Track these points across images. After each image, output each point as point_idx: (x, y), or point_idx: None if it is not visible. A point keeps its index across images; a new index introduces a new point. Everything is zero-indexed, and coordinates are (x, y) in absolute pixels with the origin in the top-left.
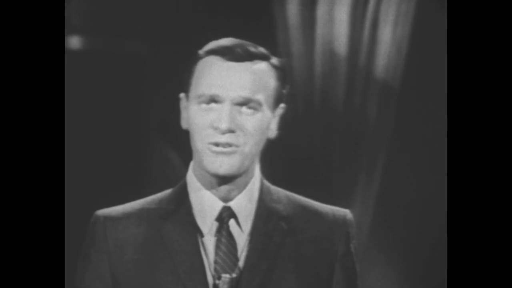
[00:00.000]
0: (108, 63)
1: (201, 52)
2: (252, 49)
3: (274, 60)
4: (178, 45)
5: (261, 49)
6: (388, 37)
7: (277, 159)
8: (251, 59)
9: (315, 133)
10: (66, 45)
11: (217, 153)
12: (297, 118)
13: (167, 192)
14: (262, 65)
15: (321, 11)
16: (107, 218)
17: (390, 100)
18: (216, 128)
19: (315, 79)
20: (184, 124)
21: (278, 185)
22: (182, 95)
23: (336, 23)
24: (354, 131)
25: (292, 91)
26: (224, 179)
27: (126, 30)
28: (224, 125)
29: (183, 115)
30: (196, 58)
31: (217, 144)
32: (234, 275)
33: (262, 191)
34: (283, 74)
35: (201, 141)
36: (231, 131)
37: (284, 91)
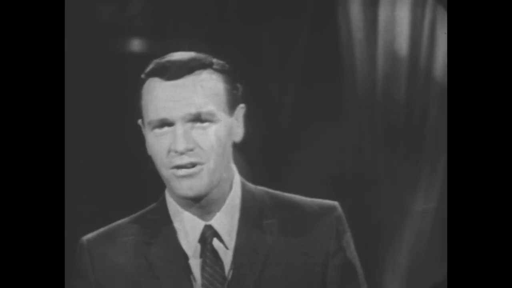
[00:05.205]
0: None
1: (143, 75)
2: (190, 61)
3: (217, 65)
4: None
5: (201, 57)
6: (445, 37)
7: (341, 158)
8: (190, 72)
9: (376, 133)
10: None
11: (183, 176)
12: (359, 119)
13: (147, 211)
14: (203, 75)
15: (383, 11)
16: (92, 247)
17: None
18: (174, 151)
19: (377, 81)
20: (148, 151)
21: (345, 184)
22: (139, 121)
23: (397, 23)
24: (416, 132)
25: (355, 93)
26: (197, 199)
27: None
28: (180, 146)
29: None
30: (141, 81)
31: (180, 167)
32: None
33: (244, 197)
34: (231, 75)
35: (164, 167)
36: (190, 149)
37: (236, 92)
